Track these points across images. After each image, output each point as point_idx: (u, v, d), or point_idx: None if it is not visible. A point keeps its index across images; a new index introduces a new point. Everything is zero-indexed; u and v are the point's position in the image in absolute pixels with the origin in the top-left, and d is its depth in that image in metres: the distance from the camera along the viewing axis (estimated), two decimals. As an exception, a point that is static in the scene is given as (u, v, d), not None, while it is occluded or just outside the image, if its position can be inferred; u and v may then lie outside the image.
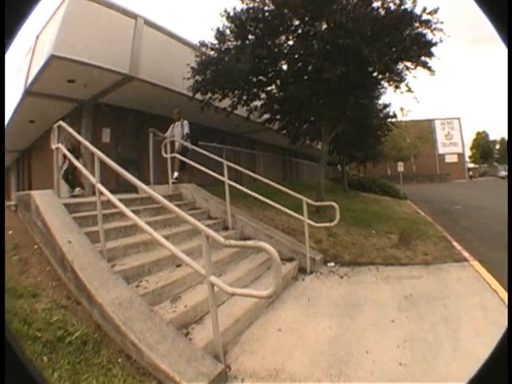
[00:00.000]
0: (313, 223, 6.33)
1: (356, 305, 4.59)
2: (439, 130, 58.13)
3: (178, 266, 4.42)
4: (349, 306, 4.56)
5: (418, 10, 9.65)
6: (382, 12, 9.51)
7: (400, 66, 10.54)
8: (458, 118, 58.91)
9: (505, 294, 4.73)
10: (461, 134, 58.82)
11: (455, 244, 7.97)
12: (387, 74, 10.93)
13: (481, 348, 3.02)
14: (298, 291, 5.21)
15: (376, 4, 9.61)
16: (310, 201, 6.49)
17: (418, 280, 5.62)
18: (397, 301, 4.70)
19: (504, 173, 50.09)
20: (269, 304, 4.58)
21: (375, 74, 10.79)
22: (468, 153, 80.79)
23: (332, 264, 6.58)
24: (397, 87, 11.19)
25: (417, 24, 9.78)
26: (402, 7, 9.46)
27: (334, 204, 6.35)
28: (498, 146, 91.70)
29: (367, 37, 8.89)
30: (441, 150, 57.94)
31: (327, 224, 6.54)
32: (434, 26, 9.80)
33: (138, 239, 4.67)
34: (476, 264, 6.37)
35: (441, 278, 5.71)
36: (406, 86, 10.99)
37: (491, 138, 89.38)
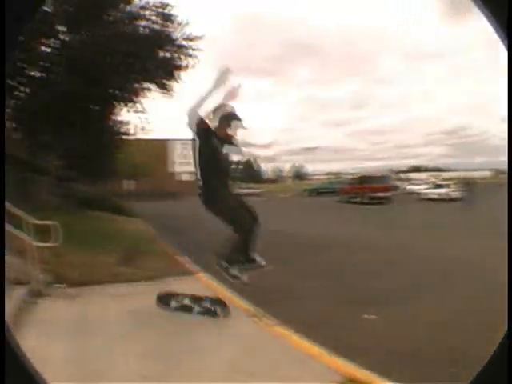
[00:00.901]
0: (36, 243, 6.38)
1: (90, 324, 4.77)
2: (177, 149, 62.82)
3: None
4: (84, 325, 4.72)
5: (180, 35, 10.61)
6: (143, 32, 10.24)
7: (141, 85, 11.58)
8: (195, 139, 64.71)
9: (233, 300, 5.50)
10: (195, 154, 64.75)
11: (182, 258, 8.73)
12: (124, 93, 11.82)
13: (222, 350, 3.95)
14: (32, 316, 5.16)
15: (142, 23, 10.30)
16: (31, 220, 6.57)
17: (145, 295, 5.86)
18: (129, 316, 4.99)
19: (246, 191, 55.37)
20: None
21: (112, 91, 11.49)
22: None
23: (62, 285, 6.62)
24: (131, 106, 12.26)
25: (174, 48, 10.78)
26: (165, 29, 10.36)
27: (51, 223, 6.46)
28: (241, 166, 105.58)
29: (113, 54, 9.45)
30: (177, 169, 62.59)
31: (49, 244, 6.53)
32: (190, 52, 10.93)
33: None
34: (202, 275, 7.03)
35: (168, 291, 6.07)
36: (140, 105, 12.14)
37: (236, 158, 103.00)
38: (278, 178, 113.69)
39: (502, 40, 1.11)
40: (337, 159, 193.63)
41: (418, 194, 40.98)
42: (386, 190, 33.99)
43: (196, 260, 8.30)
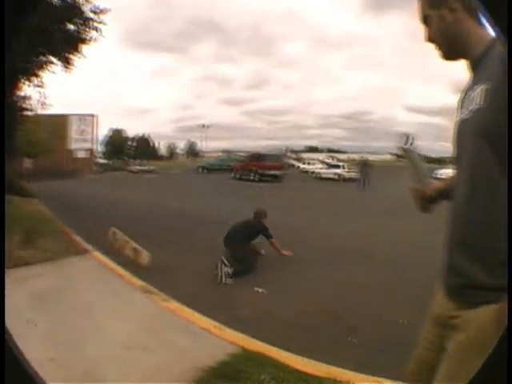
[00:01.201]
0: None
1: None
2: (75, 125, 60.50)
3: None
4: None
5: (88, 7, 10.65)
6: (56, 3, 10.14)
7: (46, 58, 11.65)
8: (93, 115, 62.70)
9: (130, 278, 5.85)
10: (93, 130, 62.84)
11: (77, 238, 8.71)
12: (29, 67, 11.66)
13: (118, 327, 4.15)
14: None
15: None
16: None
17: (45, 277, 5.93)
18: (29, 300, 4.89)
19: (139, 168, 56.81)
20: None
21: (18, 64, 11.18)
22: (103, 149, 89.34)
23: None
24: (32, 81, 12.37)
25: (80, 21, 10.79)
26: (76, 1, 10.36)
27: None
28: (134, 144, 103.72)
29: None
30: (74, 146, 60.62)
31: None
32: (95, 25, 11.03)
33: None
34: (97, 254, 7.26)
35: (65, 271, 6.29)
36: (40, 80, 12.31)
37: (130, 135, 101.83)
38: (172, 155, 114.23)
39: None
40: (231, 137, 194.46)
41: (312, 173, 41.78)
42: (278, 167, 34.82)
43: (91, 239, 8.50)
